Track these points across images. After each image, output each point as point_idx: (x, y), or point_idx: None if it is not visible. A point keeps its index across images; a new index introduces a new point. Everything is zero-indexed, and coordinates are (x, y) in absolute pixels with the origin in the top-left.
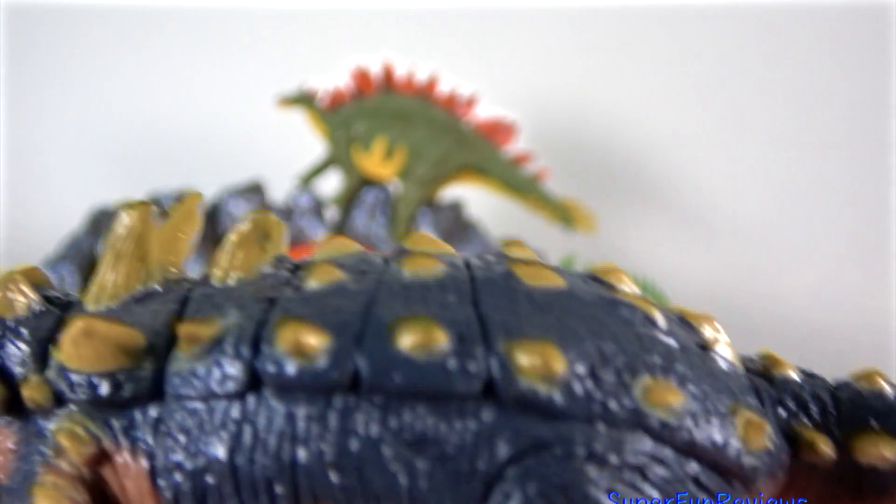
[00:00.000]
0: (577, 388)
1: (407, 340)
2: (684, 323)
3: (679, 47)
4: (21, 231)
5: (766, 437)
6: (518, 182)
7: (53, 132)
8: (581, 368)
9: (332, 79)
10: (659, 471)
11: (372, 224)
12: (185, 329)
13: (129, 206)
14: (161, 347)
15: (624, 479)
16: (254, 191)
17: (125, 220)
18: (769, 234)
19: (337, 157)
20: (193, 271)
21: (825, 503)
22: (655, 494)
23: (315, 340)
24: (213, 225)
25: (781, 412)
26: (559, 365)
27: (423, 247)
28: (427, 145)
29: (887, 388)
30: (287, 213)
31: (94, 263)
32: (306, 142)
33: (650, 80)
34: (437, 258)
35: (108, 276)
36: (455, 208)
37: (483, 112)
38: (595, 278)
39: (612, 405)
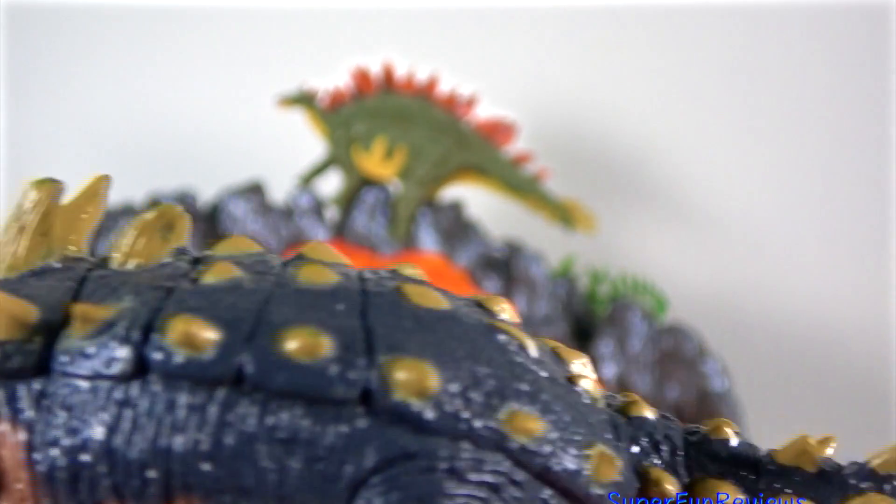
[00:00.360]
0: (448, 406)
1: (293, 343)
2: (555, 356)
3: (679, 47)
4: None
5: (616, 471)
6: (518, 182)
7: (53, 132)
8: (454, 388)
9: (332, 79)
10: (513, 492)
11: (372, 224)
12: (79, 309)
13: (38, 182)
14: (53, 324)
15: (479, 496)
16: (254, 191)
17: (32, 195)
18: (769, 234)
19: (337, 157)
20: None
21: None
22: None
23: (205, 334)
24: (214, 225)
25: (635, 449)
26: (433, 382)
27: (320, 256)
28: (427, 145)
29: (733, 438)
30: (287, 213)
31: None
32: (306, 142)
33: (650, 80)
34: (331, 268)
35: (9, 248)
36: (455, 208)
37: (483, 112)
38: (479, 304)
39: (478, 426)
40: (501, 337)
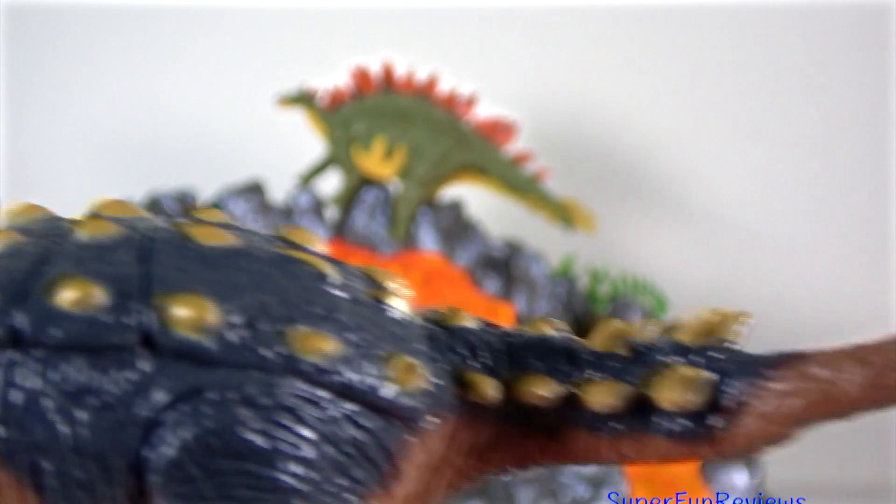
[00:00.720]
0: (231, 337)
1: (66, 296)
2: (367, 278)
3: (679, 47)
4: None
5: (421, 378)
6: (518, 182)
7: (53, 132)
8: (237, 319)
9: (332, 78)
10: (312, 411)
11: (372, 223)
12: None
13: None
14: None
15: (275, 419)
16: (253, 190)
17: None
18: (770, 233)
19: (337, 157)
20: None
21: (500, 442)
22: (307, 432)
23: None
24: None
25: (454, 358)
26: (213, 316)
27: (113, 212)
28: (427, 145)
29: (552, 333)
30: (287, 213)
31: None
32: (306, 142)
33: (650, 80)
34: (116, 222)
35: None
36: (455, 208)
37: (483, 111)
38: (282, 238)
39: (265, 352)
40: (296, 266)
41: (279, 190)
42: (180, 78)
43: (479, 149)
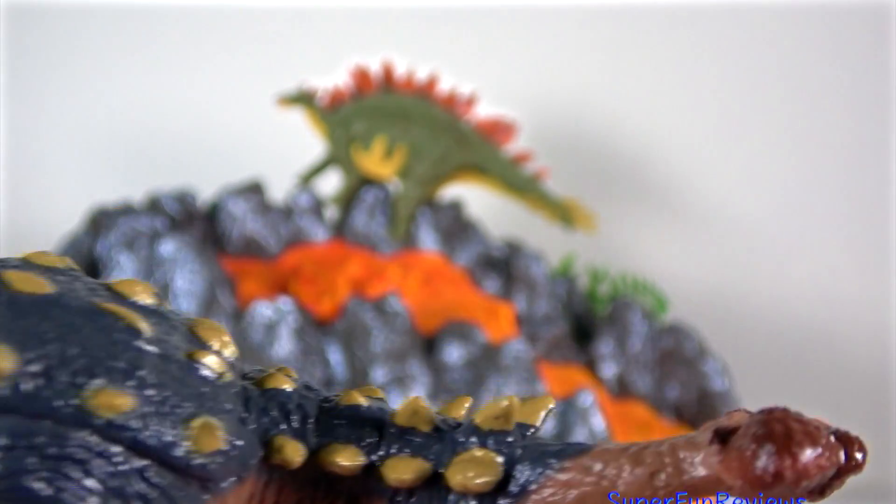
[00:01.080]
0: (27, 386)
1: None
2: (190, 334)
3: (679, 47)
4: (20, 231)
5: (218, 439)
6: (518, 181)
7: (53, 132)
8: (35, 368)
9: (332, 78)
10: (101, 464)
11: (372, 223)
12: None
13: None
14: None
15: (62, 470)
16: (253, 190)
17: None
18: (770, 234)
19: (336, 157)
20: (198, 272)
21: None
22: (94, 484)
23: None
24: (213, 225)
25: (265, 420)
26: (10, 364)
27: None
28: (427, 145)
29: (362, 402)
30: (287, 213)
31: (93, 263)
32: (306, 142)
33: (650, 80)
34: None
35: None
36: (455, 208)
37: (483, 111)
38: (108, 288)
39: (58, 403)
40: (108, 319)
41: (279, 190)
42: (180, 78)
43: (479, 148)
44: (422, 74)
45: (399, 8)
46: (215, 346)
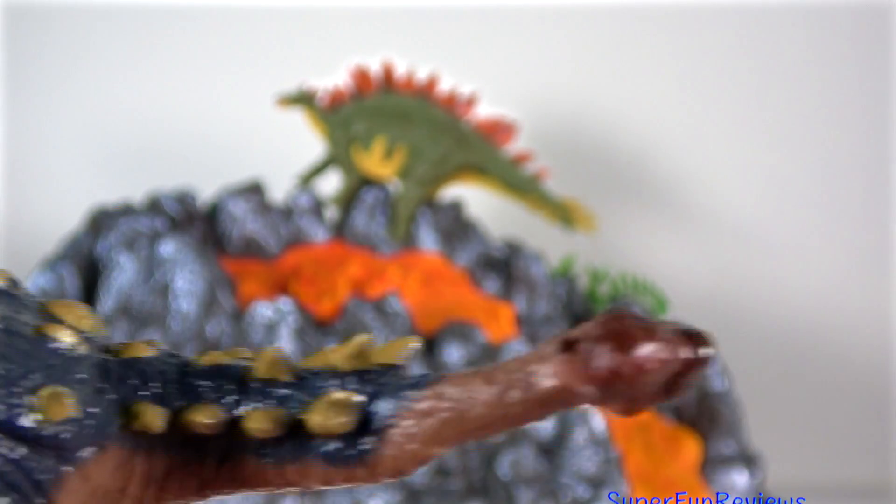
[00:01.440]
0: None
1: None
2: (44, 313)
3: (679, 47)
4: (20, 231)
5: (67, 408)
6: (518, 182)
7: (53, 132)
8: None
9: (332, 78)
10: None
11: (372, 224)
12: None
13: None
14: None
15: None
16: (253, 190)
17: None
18: (770, 234)
19: (336, 157)
20: (198, 272)
21: (176, 471)
22: None
23: None
24: (213, 225)
25: (124, 388)
26: None
27: None
28: (427, 145)
29: (224, 361)
30: (287, 213)
31: (93, 264)
32: (306, 142)
33: (650, 80)
34: None
35: None
36: (455, 208)
37: (483, 111)
38: None
39: None
40: None
41: (279, 190)
42: (180, 78)
43: (479, 149)
44: (422, 75)
45: (399, 8)
46: (70, 321)
